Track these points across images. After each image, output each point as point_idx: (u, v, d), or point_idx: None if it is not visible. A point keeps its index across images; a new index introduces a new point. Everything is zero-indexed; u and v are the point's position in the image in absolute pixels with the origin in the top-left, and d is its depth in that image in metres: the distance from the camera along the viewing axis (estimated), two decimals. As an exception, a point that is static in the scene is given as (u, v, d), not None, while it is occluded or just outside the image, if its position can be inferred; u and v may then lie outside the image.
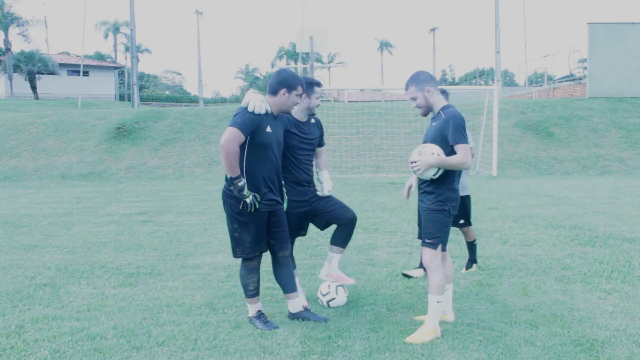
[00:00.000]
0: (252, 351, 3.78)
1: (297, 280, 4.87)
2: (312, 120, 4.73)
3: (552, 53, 47.62)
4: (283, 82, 4.19)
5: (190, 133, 20.61)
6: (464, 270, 5.89)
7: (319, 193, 4.66)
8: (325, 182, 4.71)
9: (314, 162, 4.78)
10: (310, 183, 4.66)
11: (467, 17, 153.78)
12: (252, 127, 4.03)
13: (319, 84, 4.64)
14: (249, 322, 4.27)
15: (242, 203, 4.03)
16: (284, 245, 4.35)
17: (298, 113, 4.59)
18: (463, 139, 3.99)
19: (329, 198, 4.69)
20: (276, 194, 4.25)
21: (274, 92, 4.21)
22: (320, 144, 4.80)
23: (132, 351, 3.80)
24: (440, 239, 4.10)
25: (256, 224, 4.12)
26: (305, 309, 4.44)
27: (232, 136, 3.96)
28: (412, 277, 5.57)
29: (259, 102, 4.10)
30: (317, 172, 4.83)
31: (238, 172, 3.98)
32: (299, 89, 4.22)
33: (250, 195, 4.02)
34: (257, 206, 4.06)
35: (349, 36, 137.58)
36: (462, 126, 4.01)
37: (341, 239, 4.69)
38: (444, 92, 5.10)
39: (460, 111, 4.19)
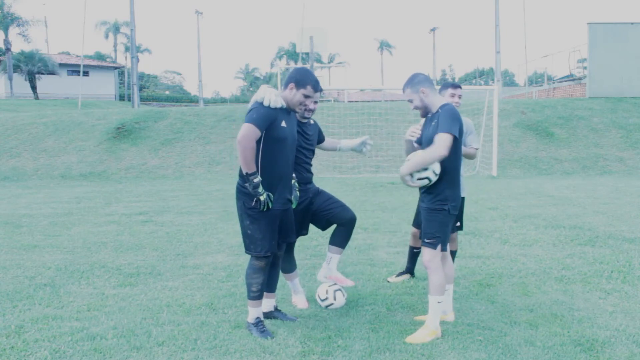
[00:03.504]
0: (252, 351, 3.78)
1: (297, 280, 4.88)
2: (311, 122, 4.76)
3: (552, 53, 47.64)
4: (293, 77, 4.18)
5: (190, 133, 20.61)
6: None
7: (369, 142, 4.75)
8: (356, 140, 4.80)
9: (336, 146, 4.87)
10: (309, 181, 4.67)
11: (467, 17, 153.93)
12: (267, 122, 4.00)
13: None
14: (246, 328, 4.20)
15: (255, 200, 4.02)
16: (282, 246, 4.38)
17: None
18: (447, 127, 3.91)
19: (328, 196, 4.69)
20: (288, 192, 4.24)
21: (285, 85, 4.22)
22: (322, 138, 4.87)
23: (132, 351, 3.80)
24: (440, 238, 4.07)
25: (268, 221, 4.09)
26: (276, 308, 4.49)
27: (248, 132, 3.92)
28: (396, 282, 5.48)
29: (274, 97, 4.07)
30: (339, 149, 4.88)
31: (254, 168, 3.95)
32: (309, 89, 4.15)
33: (265, 194, 4.00)
34: (270, 206, 4.04)
35: (349, 36, 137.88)
36: (452, 117, 3.95)
37: (340, 239, 4.67)
38: (458, 87, 5.16)
39: (460, 111, 4.19)
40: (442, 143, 3.91)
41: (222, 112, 22.36)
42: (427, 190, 4.10)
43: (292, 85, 4.15)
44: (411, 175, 4.02)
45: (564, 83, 28.72)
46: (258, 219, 4.06)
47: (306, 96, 4.16)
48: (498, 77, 30.17)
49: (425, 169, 3.98)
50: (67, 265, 6.25)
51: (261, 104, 4.06)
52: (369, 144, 4.81)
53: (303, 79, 4.15)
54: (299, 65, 36.42)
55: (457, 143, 4.03)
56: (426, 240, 4.06)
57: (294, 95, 4.15)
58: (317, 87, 4.19)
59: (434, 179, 4.00)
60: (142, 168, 18.50)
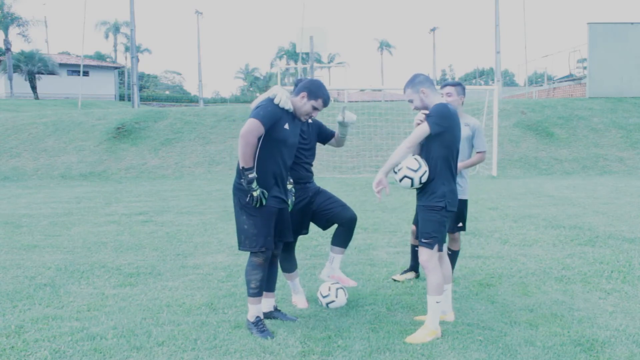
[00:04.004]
0: (252, 351, 3.78)
1: (297, 280, 4.88)
2: (309, 121, 4.76)
3: (552, 53, 47.69)
4: (307, 87, 4.21)
5: (190, 133, 20.61)
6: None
7: (340, 118, 4.67)
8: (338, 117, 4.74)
9: (335, 137, 4.86)
10: (308, 180, 4.68)
11: (467, 17, 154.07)
12: (272, 120, 4.03)
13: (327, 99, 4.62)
14: (246, 327, 4.21)
15: (249, 196, 4.04)
16: (279, 245, 4.40)
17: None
18: (428, 119, 3.97)
19: (328, 195, 4.69)
20: (283, 192, 4.25)
21: (297, 93, 4.25)
22: (328, 135, 4.86)
23: (132, 351, 3.80)
24: (437, 238, 4.05)
25: (263, 218, 4.10)
26: (276, 309, 4.49)
27: (252, 127, 3.96)
28: (402, 281, 5.46)
29: (285, 98, 4.12)
30: (340, 134, 4.84)
31: (251, 164, 3.98)
32: (319, 102, 4.19)
33: (258, 190, 4.02)
34: (264, 202, 4.06)
35: (349, 36, 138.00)
36: (438, 114, 3.97)
37: (341, 239, 4.68)
38: (459, 85, 5.17)
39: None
40: (411, 135, 4.01)
41: (222, 112, 22.36)
42: (423, 189, 4.09)
43: (304, 94, 4.18)
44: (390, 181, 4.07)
45: (564, 83, 28.73)
46: (254, 215, 4.08)
47: (315, 108, 4.20)
48: (498, 77, 30.17)
49: (400, 169, 4.01)
50: (67, 265, 6.25)
51: (271, 101, 4.09)
52: (346, 112, 4.76)
53: (316, 92, 4.18)
54: (299, 65, 36.44)
55: (447, 140, 4.03)
56: (423, 240, 4.06)
57: (304, 104, 4.19)
58: (327, 103, 4.23)
59: (414, 176, 3.99)
60: (142, 168, 18.50)
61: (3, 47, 44.92)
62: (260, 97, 4.22)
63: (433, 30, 55.70)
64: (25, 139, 20.64)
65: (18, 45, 61.98)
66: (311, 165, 4.74)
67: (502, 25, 78.47)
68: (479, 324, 4.27)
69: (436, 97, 4.16)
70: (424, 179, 4.02)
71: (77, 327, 4.26)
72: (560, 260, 6.26)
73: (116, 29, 62.52)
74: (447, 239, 5.10)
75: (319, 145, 4.87)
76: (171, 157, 19.16)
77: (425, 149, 4.07)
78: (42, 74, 45.16)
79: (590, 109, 22.14)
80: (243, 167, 3.97)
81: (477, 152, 5.31)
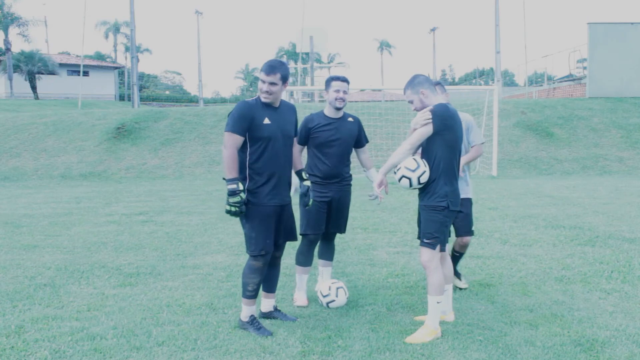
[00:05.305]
0: (252, 351, 3.78)
1: (306, 278, 4.90)
2: (350, 119, 4.78)
3: (552, 53, 47.68)
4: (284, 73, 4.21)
5: (190, 133, 20.61)
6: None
7: (370, 194, 4.65)
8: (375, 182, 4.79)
9: (359, 161, 4.97)
10: (337, 179, 4.76)
11: (467, 17, 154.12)
12: (244, 123, 4.03)
13: (335, 78, 4.72)
14: (241, 327, 4.20)
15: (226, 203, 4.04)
16: (281, 246, 4.38)
17: (327, 109, 4.76)
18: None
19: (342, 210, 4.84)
20: (283, 190, 4.22)
21: None
22: (360, 144, 4.92)
23: (132, 351, 3.80)
24: (439, 239, 4.06)
25: (260, 220, 4.09)
26: (276, 309, 4.50)
27: (226, 140, 4.03)
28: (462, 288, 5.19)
29: None
30: (364, 171, 4.98)
31: (232, 176, 3.97)
32: (260, 73, 4.18)
33: (234, 207, 3.97)
34: (237, 216, 4.05)
35: (349, 36, 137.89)
36: (435, 115, 3.98)
37: (326, 254, 4.93)
38: (439, 84, 5.02)
39: (461, 111, 4.19)
40: (412, 136, 4.04)
41: (222, 112, 22.34)
42: (425, 189, 4.09)
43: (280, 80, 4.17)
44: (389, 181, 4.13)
45: (564, 83, 28.73)
46: (251, 217, 4.09)
47: (262, 81, 4.12)
48: (498, 77, 30.15)
49: (399, 168, 4.03)
50: (67, 265, 6.25)
51: (240, 102, 4.13)
52: (373, 195, 4.81)
53: (287, 75, 4.18)
54: (299, 65, 36.44)
55: (449, 140, 4.03)
56: (425, 241, 4.06)
57: (279, 89, 4.13)
58: (264, 70, 4.09)
59: (412, 175, 3.99)
60: (142, 168, 18.50)
61: (3, 47, 44.88)
62: None
63: (433, 30, 55.57)
64: (25, 139, 20.64)
65: (18, 45, 62.07)
66: (340, 162, 4.78)
67: (502, 25, 78.45)
68: (479, 324, 4.27)
69: (436, 98, 4.17)
70: (422, 180, 4.01)
71: (77, 327, 4.26)
72: (560, 260, 6.26)
73: (116, 29, 62.43)
74: (455, 242, 5.09)
75: None
76: (171, 157, 19.16)
77: (427, 149, 4.07)
78: (42, 74, 45.14)
79: (590, 109, 22.14)
80: (223, 178, 4.02)
81: (472, 146, 5.16)
